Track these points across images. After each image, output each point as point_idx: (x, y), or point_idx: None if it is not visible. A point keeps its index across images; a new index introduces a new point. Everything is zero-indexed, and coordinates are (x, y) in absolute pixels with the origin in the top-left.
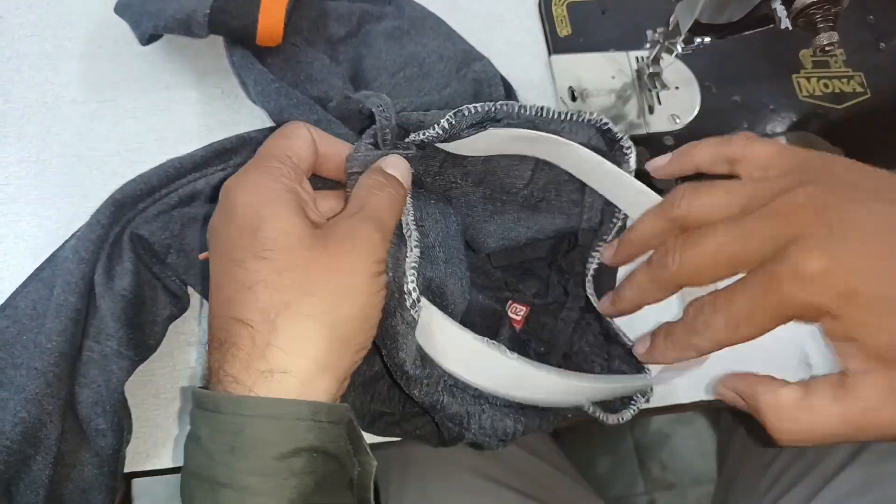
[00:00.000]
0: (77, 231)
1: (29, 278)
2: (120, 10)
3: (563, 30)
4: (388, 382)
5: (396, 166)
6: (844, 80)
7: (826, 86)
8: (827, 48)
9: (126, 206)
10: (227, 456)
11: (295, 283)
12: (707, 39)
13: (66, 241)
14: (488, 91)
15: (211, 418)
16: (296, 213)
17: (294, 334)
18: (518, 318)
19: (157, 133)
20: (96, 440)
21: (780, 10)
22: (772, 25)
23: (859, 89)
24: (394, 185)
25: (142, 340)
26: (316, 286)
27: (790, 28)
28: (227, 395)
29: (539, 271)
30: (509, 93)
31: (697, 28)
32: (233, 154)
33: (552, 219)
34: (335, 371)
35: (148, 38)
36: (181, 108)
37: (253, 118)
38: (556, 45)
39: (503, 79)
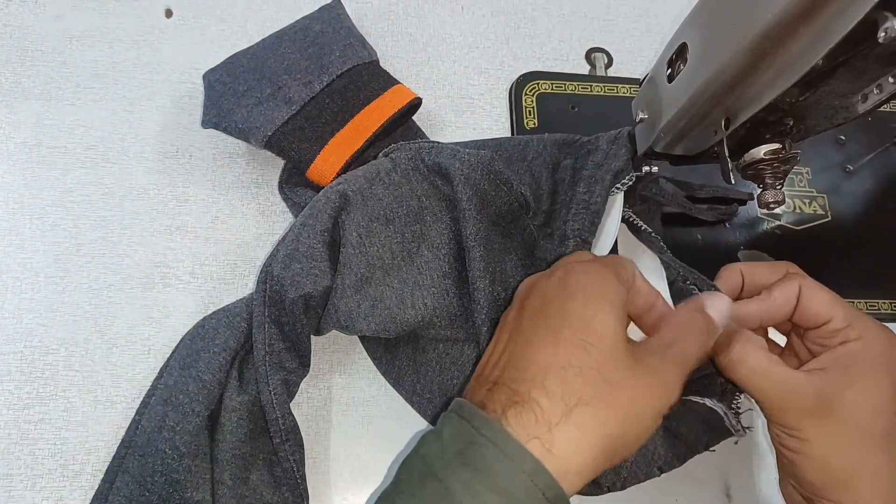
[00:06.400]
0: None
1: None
2: (207, 85)
3: (530, 121)
4: None
5: (718, 308)
6: (806, 201)
7: (787, 205)
8: (772, 206)
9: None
10: (454, 458)
11: (600, 388)
12: (655, 168)
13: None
14: None
15: (463, 425)
16: (622, 323)
17: (576, 432)
18: None
19: (104, 186)
20: None
21: (730, 162)
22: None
23: (820, 212)
24: (710, 331)
25: None
26: (615, 403)
27: (732, 183)
28: (488, 419)
29: None
30: None
31: (652, 153)
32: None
33: None
34: (585, 476)
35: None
36: (133, 162)
37: (205, 180)
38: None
39: None
